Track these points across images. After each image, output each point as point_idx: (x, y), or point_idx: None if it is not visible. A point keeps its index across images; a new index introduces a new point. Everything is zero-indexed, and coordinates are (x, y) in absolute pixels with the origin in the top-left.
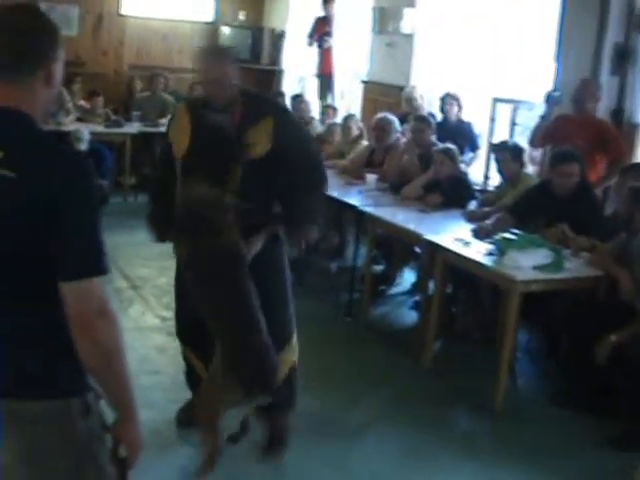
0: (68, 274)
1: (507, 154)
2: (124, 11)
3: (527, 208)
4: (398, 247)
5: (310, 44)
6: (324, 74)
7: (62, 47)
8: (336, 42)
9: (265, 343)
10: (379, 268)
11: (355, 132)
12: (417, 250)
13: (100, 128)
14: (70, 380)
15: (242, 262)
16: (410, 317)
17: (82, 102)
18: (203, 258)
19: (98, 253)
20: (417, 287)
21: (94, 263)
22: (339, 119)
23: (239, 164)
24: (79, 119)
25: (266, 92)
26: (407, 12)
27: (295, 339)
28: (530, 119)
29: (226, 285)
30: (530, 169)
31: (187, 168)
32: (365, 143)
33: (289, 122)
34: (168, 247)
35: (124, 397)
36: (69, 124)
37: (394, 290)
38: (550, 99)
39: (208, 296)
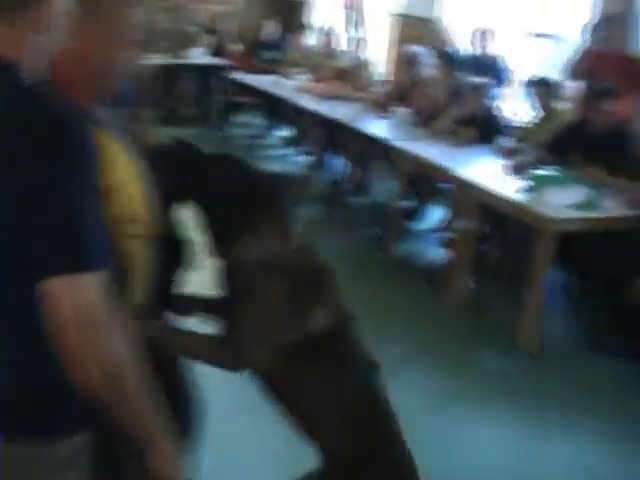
0: (40, 271)
1: (542, 89)
2: None
3: (564, 144)
4: (424, 181)
5: None
6: (350, 6)
7: None
8: None
9: None
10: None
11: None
12: (442, 186)
13: None
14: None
15: None
16: (440, 254)
17: None
18: None
19: (79, 243)
20: (447, 224)
21: (73, 257)
22: (368, 53)
23: None
24: None
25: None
26: None
27: None
28: (564, 54)
29: None
30: (566, 104)
31: None
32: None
33: None
34: None
35: (141, 422)
36: None
37: (422, 226)
38: (593, 29)
39: None
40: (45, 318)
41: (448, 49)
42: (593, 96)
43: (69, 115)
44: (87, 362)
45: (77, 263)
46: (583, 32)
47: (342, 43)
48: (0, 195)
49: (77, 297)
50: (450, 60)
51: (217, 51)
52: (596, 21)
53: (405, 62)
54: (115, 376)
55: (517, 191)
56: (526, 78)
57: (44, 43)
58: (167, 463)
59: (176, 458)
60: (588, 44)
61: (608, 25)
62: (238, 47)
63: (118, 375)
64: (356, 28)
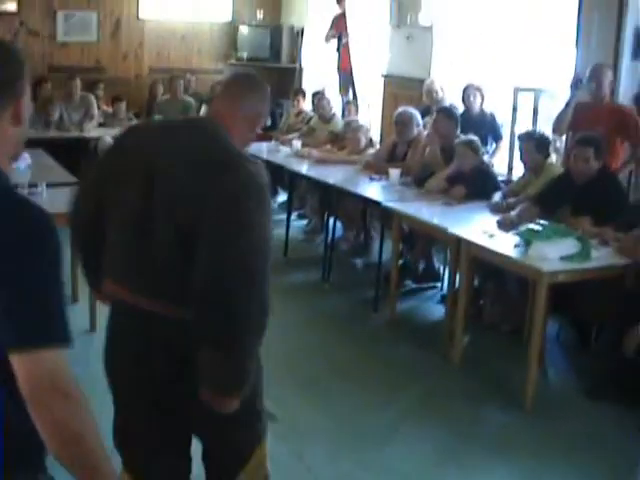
0: (11, 341)
1: (531, 144)
2: (142, 15)
3: (552, 198)
4: (420, 241)
5: (327, 41)
6: (344, 70)
7: (28, 81)
8: (355, 37)
9: None
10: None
11: (363, 142)
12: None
13: None
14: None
15: None
16: (437, 311)
17: (105, 107)
18: None
19: (49, 318)
20: (443, 281)
21: (44, 330)
22: (360, 116)
23: None
24: (101, 124)
25: (287, 90)
26: (425, 3)
27: None
28: (553, 107)
29: None
30: (554, 158)
31: None
32: (372, 151)
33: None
34: None
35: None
36: (92, 130)
37: (419, 284)
38: (576, 85)
39: None
40: (21, 384)
41: (448, 106)
42: (572, 144)
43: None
44: (46, 426)
45: (57, 336)
46: (571, 85)
47: (335, 107)
48: None
49: (56, 366)
50: (453, 116)
51: None
52: (582, 74)
53: (398, 123)
54: (78, 441)
55: (511, 246)
56: (516, 133)
57: (22, 134)
58: None
59: None
60: (576, 97)
61: (594, 77)
62: None
63: (81, 440)
64: (348, 91)
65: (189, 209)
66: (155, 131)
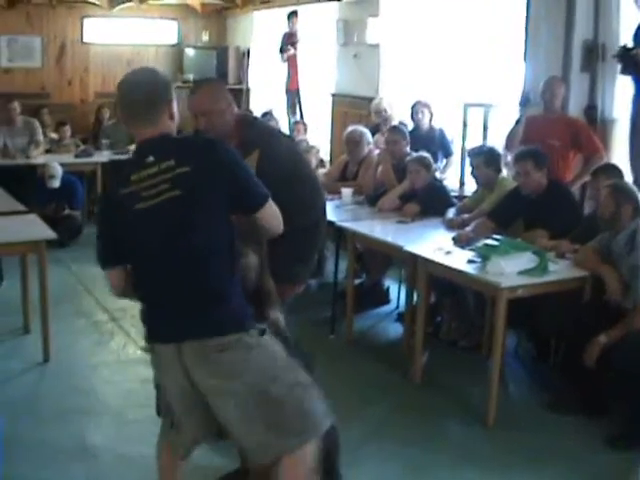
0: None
1: (480, 159)
2: (87, 38)
3: (505, 212)
4: (374, 259)
5: (284, 60)
6: (292, 90)
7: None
8: (303, 57)
9: None
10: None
11: (314, 163)
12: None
13: (70, 159)
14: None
15: None
16: (395, 329)
17: (52, 134)
18: None
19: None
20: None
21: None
22: (309, 135)
23: None
24: (47, 151)
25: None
26: (371, 22)
27: None
28: (503, 122)
29: None
30: (505, 173)
31: None
32: (323, 171)
33: (274, 156)
34: None
35: None
36: (38, 157)
37: (375, 303)
38: (524, 102)
39: None
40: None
41: (398, 124)
42: (514, 164)
43: None
44: None
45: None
46: (520, 103)
47: (284, 128)
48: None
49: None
50: (403, 134)
51: None
52: (531, 89)
53: (349, 142)
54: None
55: (467, 262)
56: (467, 148)
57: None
58: None
59: None
60: (526, 111)
61: (548, 90)
62: None
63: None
64: (295, 111)
65: None
66: None
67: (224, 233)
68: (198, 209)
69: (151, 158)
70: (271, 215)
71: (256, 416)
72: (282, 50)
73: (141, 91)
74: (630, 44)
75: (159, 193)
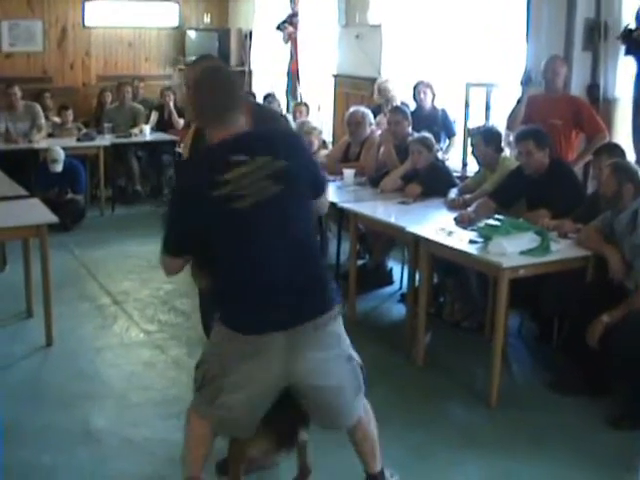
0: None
1: (480, 138)
2: (88, 22)
3: (507, 193)
4: (377, 240)
5: (285, 40)
6: (293, 72)
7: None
8: (305, 38)
9: None
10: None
11: (316, 145)
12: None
13: (72, 142)
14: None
15: None
16: (398, 310)
17: (54, 118)
18: None
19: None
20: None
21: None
22: (311, 117)
23: None
24: (50, 135)
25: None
26: (373, 2)
27: None
28: (505, 102)
29: None
30: (508, 153)
31: None
32: (325, 152)
33: None
34: (148, 259)
35: None
36: (40, 141)
37: (378, 284)
38: (526, 82)
39: None
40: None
41: (400, 104)
42: (516, 144)
43: None
44: None
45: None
46: (521, 82)
47: (285, 109)
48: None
49: None
50: (406, 114)
51: (165, 127)
52: (533, 68)
53: (351, 123)
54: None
55: (469, 242)
56: (469, 129)
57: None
58: None
59: None
60: (528, 90)
61: (550, 69)
62: (182, 121)
63: None
64: (296, 93)
65: None
66: None
67: (312, 218)
68: (298, 200)
69: (242, 156)
70: (327, 198)
71: (346, 380)
72: (279, 28)
73: (228, 90)
74: (633, 25)
75: (262, 189)
